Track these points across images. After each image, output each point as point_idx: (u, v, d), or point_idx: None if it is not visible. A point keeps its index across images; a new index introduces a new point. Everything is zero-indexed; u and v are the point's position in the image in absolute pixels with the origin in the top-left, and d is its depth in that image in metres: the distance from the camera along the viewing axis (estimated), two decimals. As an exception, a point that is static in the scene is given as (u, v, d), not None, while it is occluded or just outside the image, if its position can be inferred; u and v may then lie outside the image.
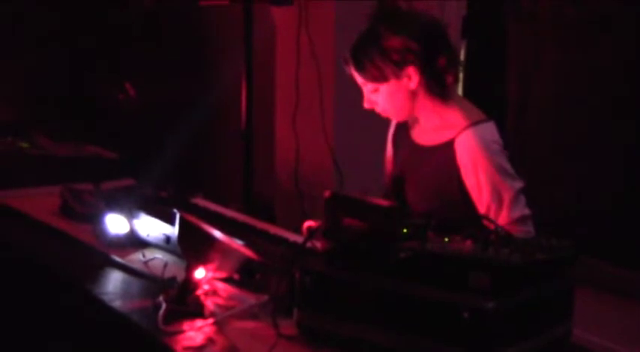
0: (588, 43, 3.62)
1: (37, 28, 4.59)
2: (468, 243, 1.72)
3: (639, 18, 3.47)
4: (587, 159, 3.67)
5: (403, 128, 2.60)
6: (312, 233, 1.97)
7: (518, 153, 3.85)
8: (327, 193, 1.88)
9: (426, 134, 2.50)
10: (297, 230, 2.48)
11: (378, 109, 2.47)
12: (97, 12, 4.70)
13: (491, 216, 2.29)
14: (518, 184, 2.37)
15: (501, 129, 2.43)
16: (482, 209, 2.34)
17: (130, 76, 4.86)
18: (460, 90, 3.98)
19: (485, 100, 3.98)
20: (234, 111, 3.88)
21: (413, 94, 2.41)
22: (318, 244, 1.91)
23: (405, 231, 1.77)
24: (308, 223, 2.44)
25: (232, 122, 3.98)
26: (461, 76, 2.52)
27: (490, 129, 2.41)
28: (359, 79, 2.44)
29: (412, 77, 2.38)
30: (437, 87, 2.41)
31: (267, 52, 4.35)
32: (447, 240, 1.75)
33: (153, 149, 3.51)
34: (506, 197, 2.33)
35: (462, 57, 3.99)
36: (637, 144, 3.51)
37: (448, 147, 2.40)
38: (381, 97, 2.43)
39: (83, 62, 4.73)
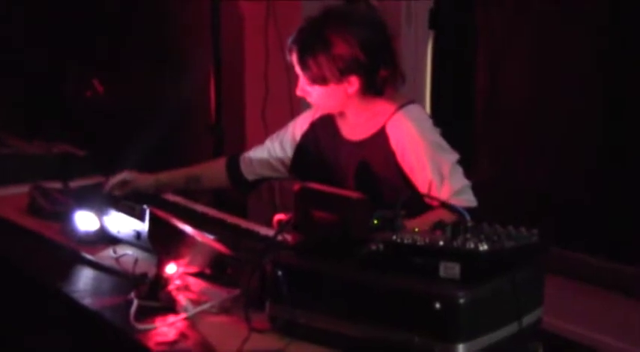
0: (557, 31, 3.64)
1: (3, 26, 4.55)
2: (437, 233, 1.73)
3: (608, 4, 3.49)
4: (557, 148, 3.69)
5: (328, 122, 2.61)
6: (282, 226, 1.98)
7: (487, 143, 3.87)
8: (296, 186, 1.88)
9: (356, 129, 2.52)
10: (269, 223, 2.48)
11: (310, 100, 2.50)
12: (65, 8, 4.66)
13: (434, 190, 2.33)
14: (454, 156, 2.41)
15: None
16: (423, 186, 2.36)
17: (98, 72, 4.82)
18: (428, 83, 4.00)
19: (454, 91, 4.03)
20: (204, 104, 3.86)
21: (348, 96, 2.43)
22: (289, 237, 1.91)
23: (375, 222, 1.78)
24: (278, 216, 2.44)
25: (202, 116, 3.97)
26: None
27: (418, 109, 2.48)
28: (298, 69, 2.44)
29: (352, 84, 2.40)
30: (373, 92, 2.44)
31: (236, 45, 4.34)
32: (416, 230, 1.76)
33: (122, 145, 3.49)
34: (445, 170, 2.36)
35: (429, 48, 4.00)
36: (608, 133, 3.53)
37: (380, 135, 2.44)
38: (316, 93, 2.45)
39: (51, 59, 4.69)
